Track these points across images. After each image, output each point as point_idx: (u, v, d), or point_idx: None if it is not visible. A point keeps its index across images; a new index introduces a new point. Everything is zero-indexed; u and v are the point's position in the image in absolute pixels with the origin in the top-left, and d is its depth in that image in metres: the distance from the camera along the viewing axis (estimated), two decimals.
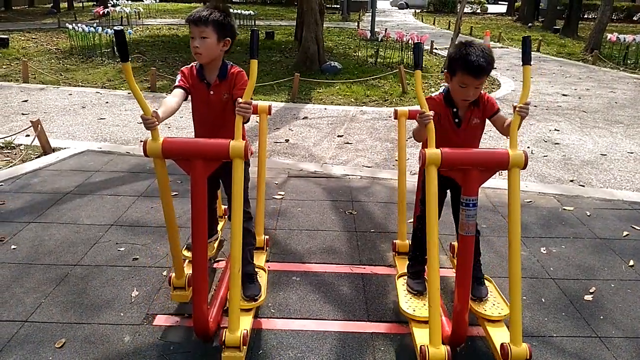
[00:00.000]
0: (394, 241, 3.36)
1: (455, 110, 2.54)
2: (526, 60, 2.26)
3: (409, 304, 2.71)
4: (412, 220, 3.77)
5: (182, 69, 2.67)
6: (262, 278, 2.88)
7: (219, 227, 3.43)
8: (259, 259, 3.10)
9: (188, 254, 3.01)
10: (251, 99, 2.34)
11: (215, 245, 3.31)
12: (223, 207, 3.66)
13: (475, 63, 2.32)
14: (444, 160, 2.24)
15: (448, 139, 2.47)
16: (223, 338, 2.26)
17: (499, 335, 2.47)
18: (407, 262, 3.01)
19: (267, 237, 3.35)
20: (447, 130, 2.54)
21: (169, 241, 2.63)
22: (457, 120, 2.55)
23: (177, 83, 2.61)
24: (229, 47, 2.60)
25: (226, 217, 3.65)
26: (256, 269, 2.87)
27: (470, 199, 2.30)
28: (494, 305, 2.68)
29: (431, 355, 2.18)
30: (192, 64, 2.68)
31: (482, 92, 2.55)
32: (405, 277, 2.95)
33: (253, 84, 2.29)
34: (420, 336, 2.46)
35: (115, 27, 2.25)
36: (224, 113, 2.63)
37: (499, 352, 2.29)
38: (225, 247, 3.53)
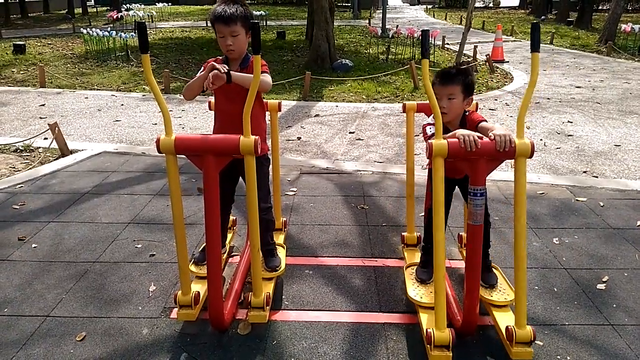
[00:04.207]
0: (403, 234, 3.46)
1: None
2: (534, 47, 2.22)
3: (416, 292, 2.82)
4: (422, 214, 3.82)
5: (208, 60, 2.72)
6: (282, 253, 3.22)
7: (227, 240, 3.37)
8: (279, 238, 3.47)
9: (195, 269, 2.99)
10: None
11: (224, 257, 3.22)
12: (232, 218, 3.59)
13: (445, 71, 2.57)
14: (450, 151, 2.27)
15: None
16: (249, 301, 2.63)
17: (504, 319, 2.57)
18: (419, 252, 3.08)
19: (284, 219, 3.70)
20: None
21: (176, 249, 2.56)
22: None
23: (200, 72, 2.63)
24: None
25: (235, 228, 3.67)
26: (276, 246, 3.18)
27: (477, 189, 2.33)
28: (500, 291, 2.77)
29: (436, 338, 2.31)
30: (219, 57, 2.74)
31: (470, 111, 2.67)
32: (413, 267, 3.06)
33: (257, 82, 2.30)
34: (427, 321, 2.59)
35: (138, 22, 2.31)
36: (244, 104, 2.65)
37: (504, 334, 2.41)
38: (239, 242, 3.60)
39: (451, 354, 2.32)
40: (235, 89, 2.61)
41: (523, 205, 2.28)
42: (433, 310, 2.41)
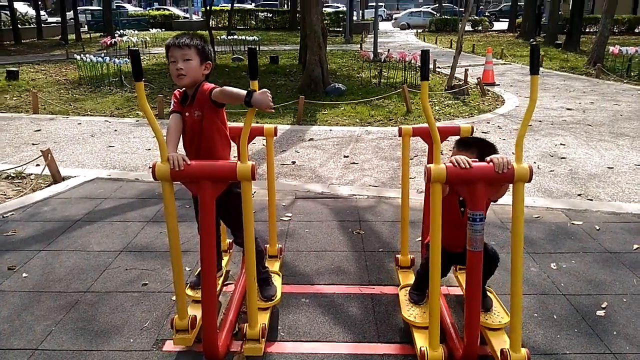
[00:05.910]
0: (397, 256, 3.50)
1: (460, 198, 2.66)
2: (533, 70, 2.21)
3: (411, 312, 2.86)
4: (418, 239, 3.81)
5: (174, 92, 2.73)
6: (277, 281, 3.12)
7: (223, 263, 3.34)
8: (274, 265, 3.39)
9: (191, 293, 2.97)
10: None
11: (220, 281, 3.19)
12: (228, 240, 3.59)
13: (465, 139, 2.67)
14: (449, 176, 2.26)
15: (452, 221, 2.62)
16: (244, 332, 2.56)
17: (499, 342, 2.57)
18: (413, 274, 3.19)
19: (280, 246, 3.60)
20: (452, 218, 2.64)
21: (172, 273, 2.52)
22: (462, 209, 2.65)
23: (171, 108, 2.68)
24: (209, 70, 2.65)
25: (230, 250, 3.62)
26: (270, 274, 3.10)
27: (477, 214, 2.31)
28: (495, 314, 2.79)
29: (429, 357, 2.40)
30: (179, 89, 2.73)
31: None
32: (407, 288, 3.10)
33: (254, 110, 2.31)
34: (420, 339, 2.63)
35: (131, 50, 2.31)
36: (201, 135, 2.61)
37: (499, 357, 2.41)
38: (233, 270, 3.54)
39: None
40: (190, 120, 2.61)
41: (520, 230, 2.29)
42: (426, 329, 2.51)
